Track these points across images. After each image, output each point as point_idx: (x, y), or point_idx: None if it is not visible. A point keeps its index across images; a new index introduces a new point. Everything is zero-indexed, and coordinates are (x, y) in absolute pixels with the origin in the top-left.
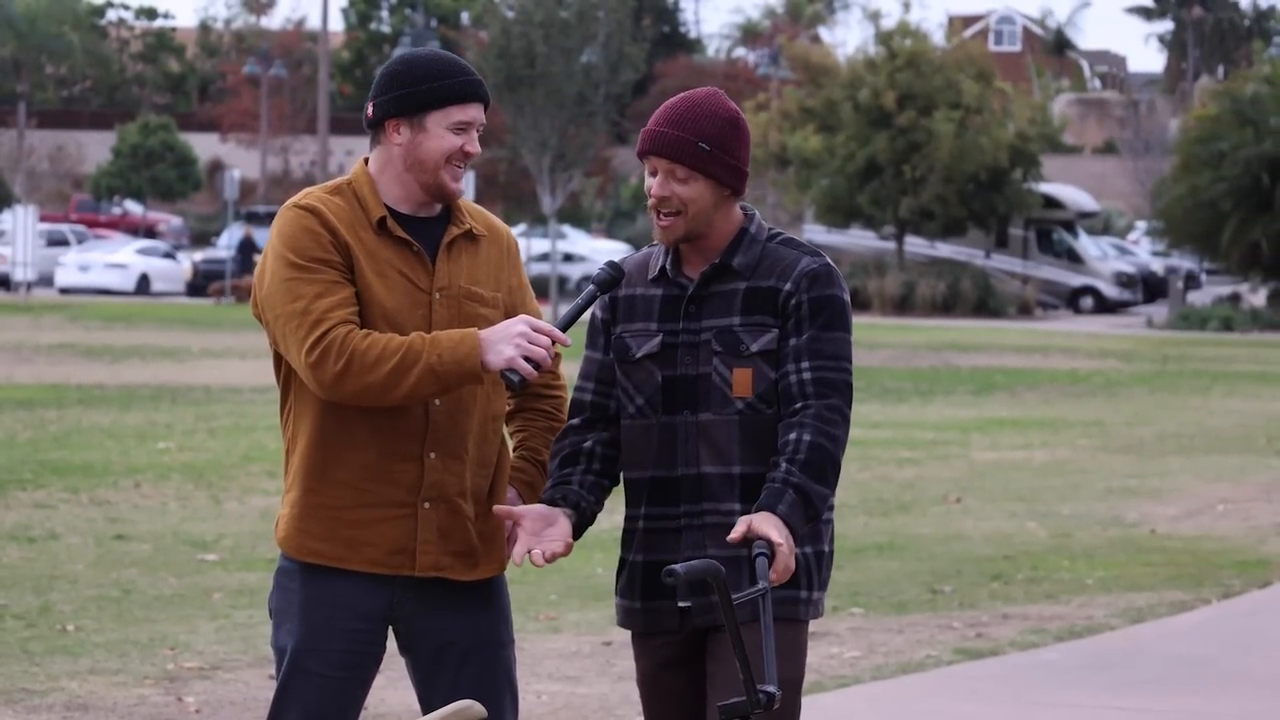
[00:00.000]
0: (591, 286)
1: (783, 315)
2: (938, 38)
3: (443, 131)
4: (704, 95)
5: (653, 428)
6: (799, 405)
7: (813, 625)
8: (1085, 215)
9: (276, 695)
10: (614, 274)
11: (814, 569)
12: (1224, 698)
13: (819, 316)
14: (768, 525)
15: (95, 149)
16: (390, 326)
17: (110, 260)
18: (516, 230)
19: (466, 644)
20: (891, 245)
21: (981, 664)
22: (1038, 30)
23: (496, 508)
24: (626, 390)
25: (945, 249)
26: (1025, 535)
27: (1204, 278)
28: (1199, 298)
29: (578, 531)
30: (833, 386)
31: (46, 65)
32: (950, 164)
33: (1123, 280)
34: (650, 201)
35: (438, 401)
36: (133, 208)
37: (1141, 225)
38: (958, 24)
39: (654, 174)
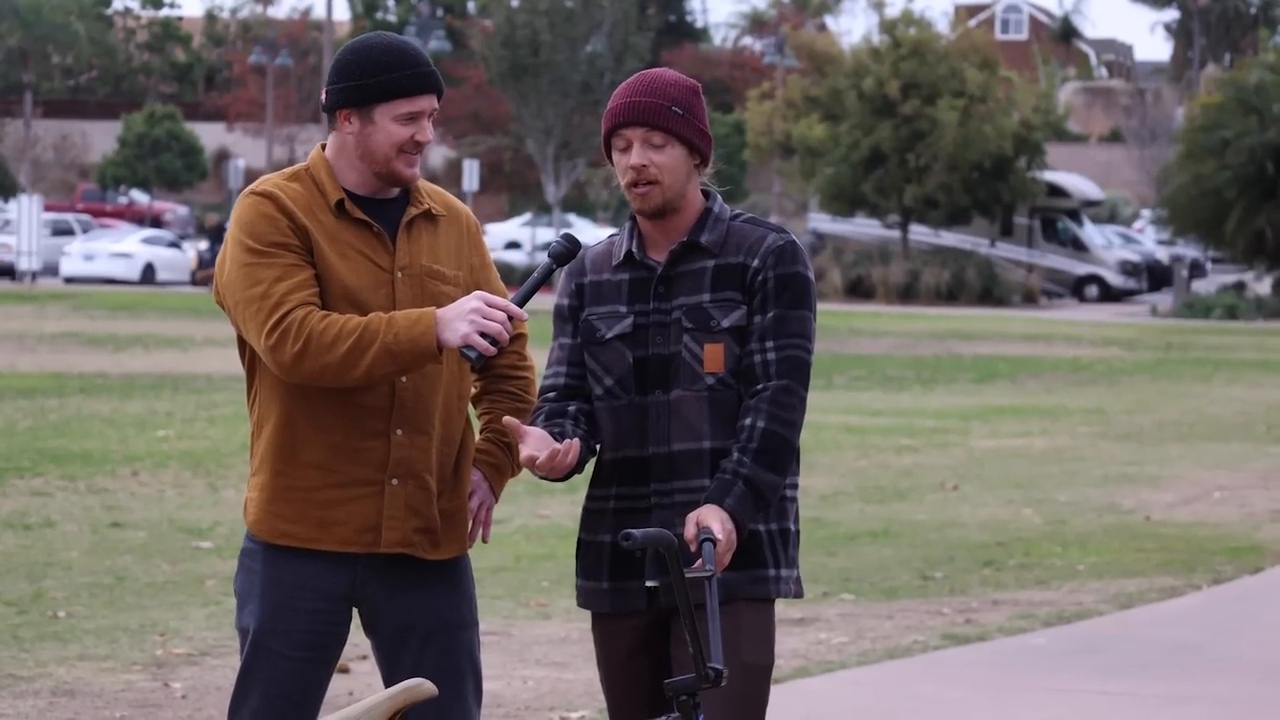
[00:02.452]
0: (548, 260)
1: (749, 291)
2: (942, 26)
3: (390, 124)
4: (661, 70)
5: (622, 408)
6: (759, 387)
7: (801, 611)
8: (1090, 204)
9: (240, 676)
10: (570, 247)
11: (779, 545)
12: (1210, 682)
13: (784, 294)
14: (712, 518)
15: (101, 138)
16: (353, 307)
17: (115, 250)
18: (521, 219)
19: (429, 625)
20: (896, 234)
21: (968, 649)
22: (1044, 18)
23: (506, 419)
24: (594, 372)
25: (950, 237)
26: (1020, 522)
27: (1209, 266)
28: (1204, 286)
29: (579, 466)
30: (793, 365)
31: (52, 55)
32: (954, 152)
33: (1128, 269)
34: (628, 177)
35: (404, 379)
36: (138, 197)
37: (1147, 214)
38: (963, 12)
39: (626, 149)
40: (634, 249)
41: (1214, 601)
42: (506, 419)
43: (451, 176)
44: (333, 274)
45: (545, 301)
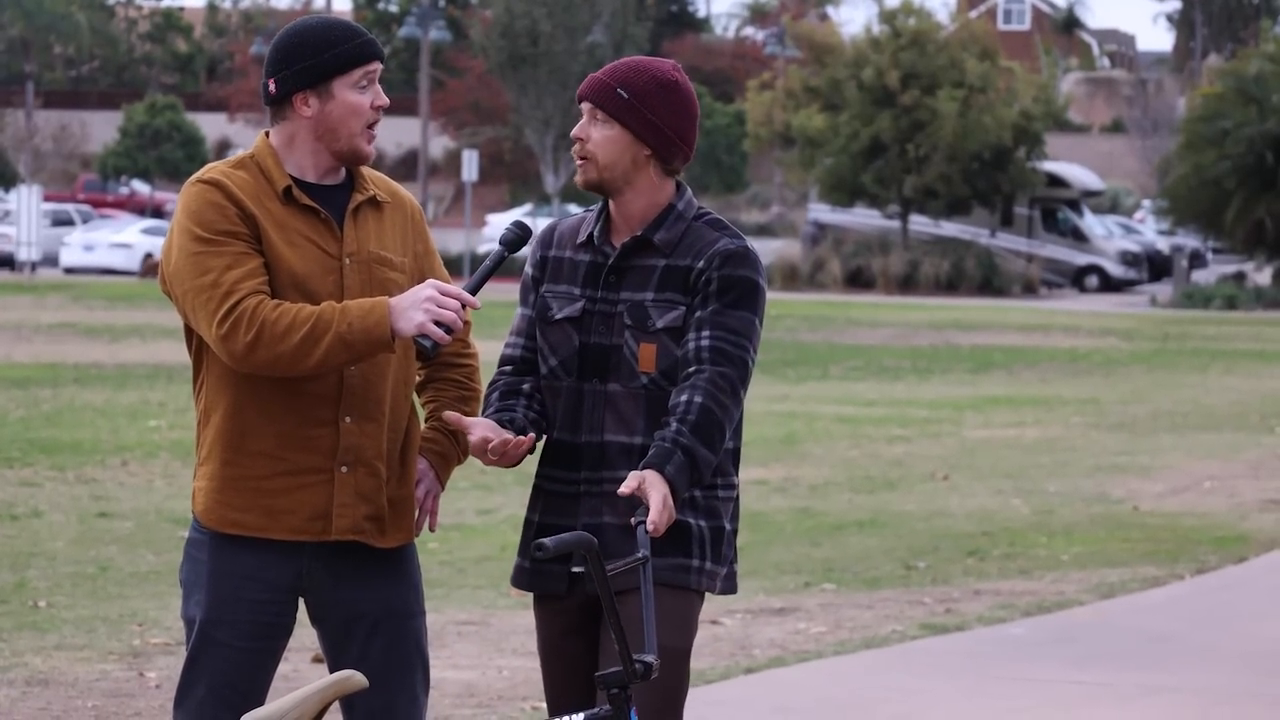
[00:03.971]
0: (499, 248)
1: (691, 292)
2: (942, 17)
3: (350, 94)
4: (651, 59)
5: (562, 390)
6: (692, 370)
7: (781, 601)
8: (1090, 194)
9: (185, 666)
10: (520, 234)
11: (708, 540)
12: (1187, 672)
13: (727, 294)
14: (654, 490)
15: (101, 129)
16: (302, 294)
17: (115, 240)
18: (521, 210)
19: (376, 614)
20: (896, 224)
21: (946, 639)
22: (1046, 9)
23: (446, 414)
24: (542, 350)
25: (950, 228)
26: (1008, 512)
27: (1209, 256)
28: (1204, 276)
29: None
30: (728, 358)
31: (54, 45)
32: (954, 143)
33: (1128, 259)
34: (574, 147)
35: (352, 366)
36: (140, 188)
37: (1148, 204)
38: (964, 3)
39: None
40: (596, 233)
41: (1196, 591)
42: (447, 414)
43: (451, 167)
44: (281, 261)
45: (497, 290)
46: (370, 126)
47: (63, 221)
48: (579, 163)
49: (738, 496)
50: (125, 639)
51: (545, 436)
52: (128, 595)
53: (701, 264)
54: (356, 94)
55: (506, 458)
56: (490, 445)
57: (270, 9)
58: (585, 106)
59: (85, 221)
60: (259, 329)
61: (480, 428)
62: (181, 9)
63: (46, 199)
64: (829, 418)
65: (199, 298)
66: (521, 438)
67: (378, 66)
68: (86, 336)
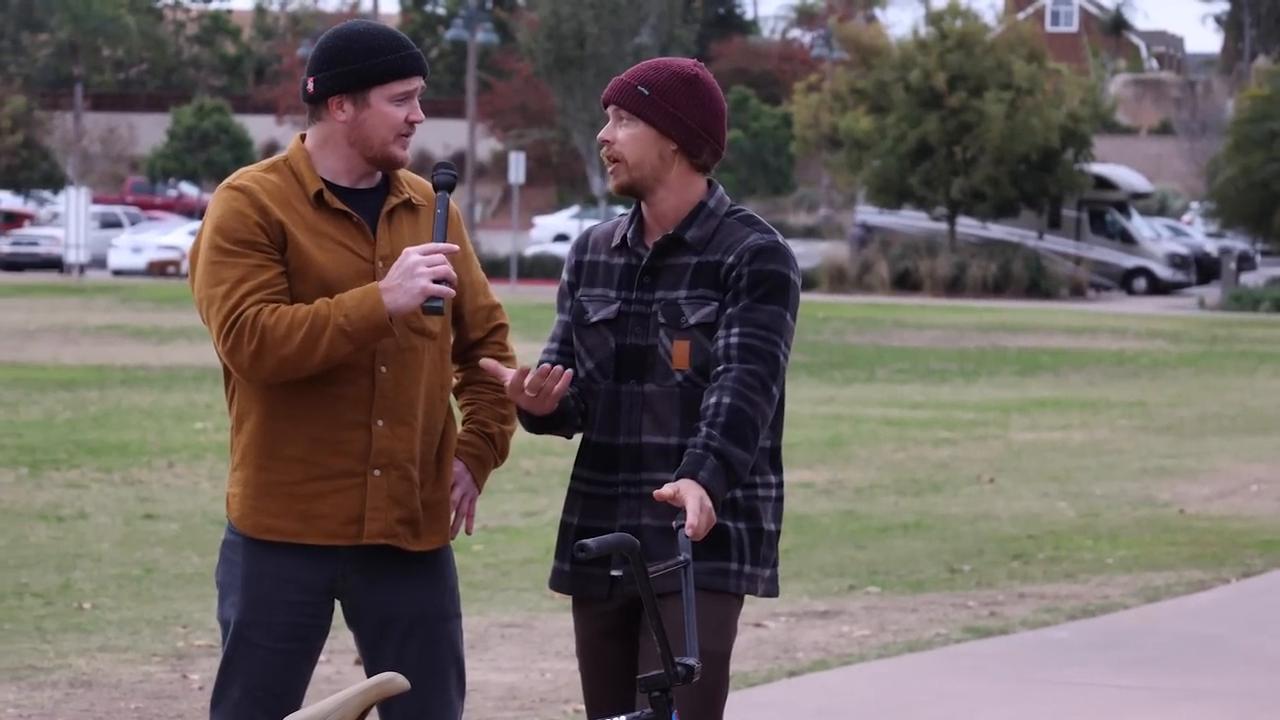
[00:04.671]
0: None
1: (723, 288)
2: (989, 18)
3: (385, 106)
4: (673, 58)
5: (599, 393)
6: (720, 369)
7: (825, 604)
8: (1138, 196)
9: (221, 668)
10: (450, 179)
11: (746, 543)
12: (1229, 676)
13: (757, 289)
14: (689, 494)
15: (149, 131)
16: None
17: (163, 242)
18: (568, 212)
19: (411, 617)
20: (943, 226)
21: (989, 642)
22: (1094, 11)
23: (484, 361)
24: (579, 353)
25: (997, 230)
26: (1054, 515)
27: (1258, 258)
28: (1253, 278)
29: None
30: (756, 354)
31: (103, 48)
32: (1001, 145)
33: (1176, 261)
34: (602, 150)
35: (384, 369)
36: (188, 190)
37: (1196, 206)
38: (1012, 4)
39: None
40: (629, 234)
41: (1241, 595)
42: (484, 361)
43: (498, 169)
44: (311, 266)
45: (541, 292)
46: (403, 136)
47: (111, 224)
48: (610, 167)
49: (780, 496)
50: (169, 641)
51: (582, 435)
52: (172, 597)
53: (732, 259)
54: (392, 106)
55: (543, 394)
56: (528, 379)
57: (318, 11)
58: (610, 109)
59: (133, 224)
60: (260, 336)
61: (516, 372)
62: (230, 11)
63: (95, 201)
64: (875, 420)
65: (210, 307)
66: (558, 368)
67: (418, 83)
68: (134, 338)
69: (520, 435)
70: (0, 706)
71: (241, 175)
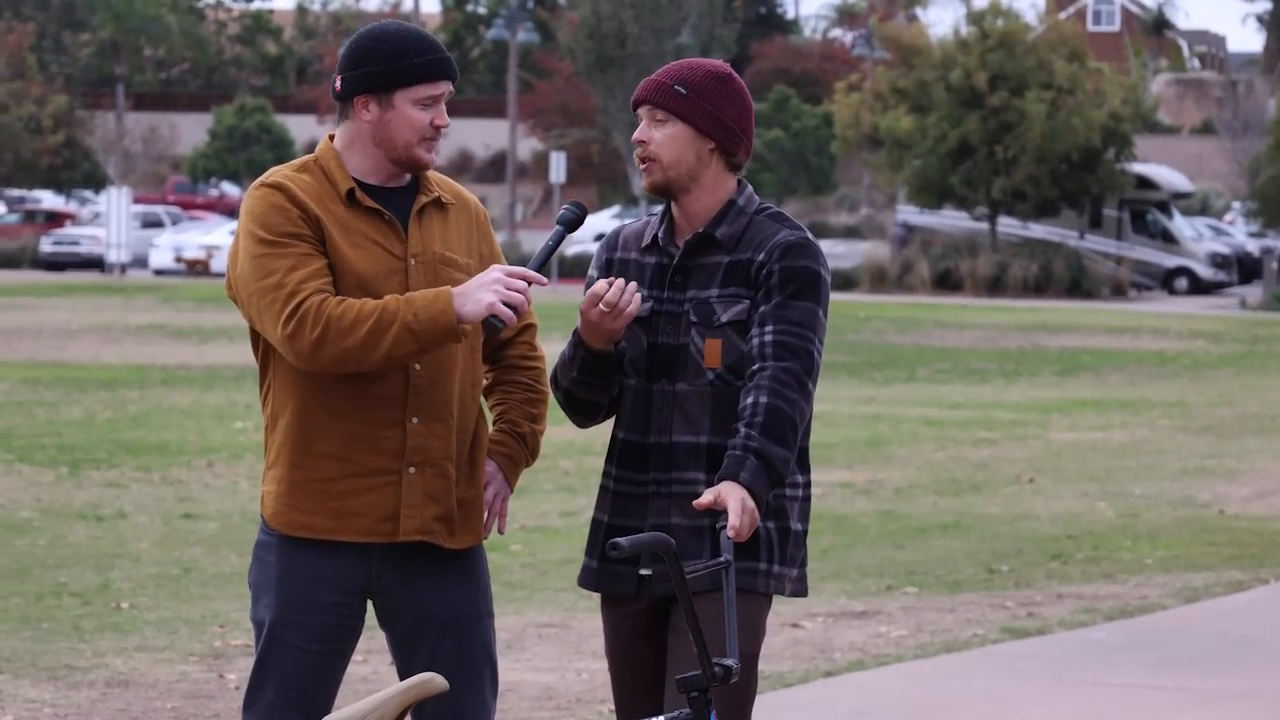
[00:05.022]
0: (559, 227)
1: (754, 285)
2: (1030, 18)
3: (410, 109)
4: (701, 59)
5: (630, 391)
6: (756, 368)
7: (862, 604)
8: (1180, 195)
9: (255, 668)
10: (579, 213)
11: (775, 543)
12: (1267, 677)
13: (789, 285)
14: (730, 496)
15: (191, 131)
16: (367, 295)
17: (204, 242)
18: (610, 212)
19: (444, 617)
20: (984, 226)
21: (1026, 643)
22: (1136, 10)
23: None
24: None
25: (1039, 230)
26: (1093, 515)
27: None
28: None
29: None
30: (791, 351)
31: (144, 48)
32: (1042, 144)
33: (1217, 261)
34: (635, 152)
35: (417, 366)
36: (229, 189)
37: (1238, 206)
38: (1053, 4)
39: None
40: (660, 234)
41: (1278, 596)
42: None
43: (539, 169)
44: (345, 264)
45: (572, 292)
46: (427, 140)
47: (152, 223)
48: (643, 167)
49: (807, 496)
50: (206, 640)
51: (612, 432)
52: (210, 596)
53: (762, 256)
54: (417, 110)
55: (616, 310)
56: (605, 296)
57: (359, 11)
58: (643, 110)
59: (175, 223)
60: (324, 325)
61: (590, 293)
62: (271, 11)
63: (137, 201)
64: (915, 420)
65: (264, 299)
66: (632, 284)
67: (446, 88)
68: (175, 338)
69: (557, 435)
70: (38, 705)
71: (274, 174)
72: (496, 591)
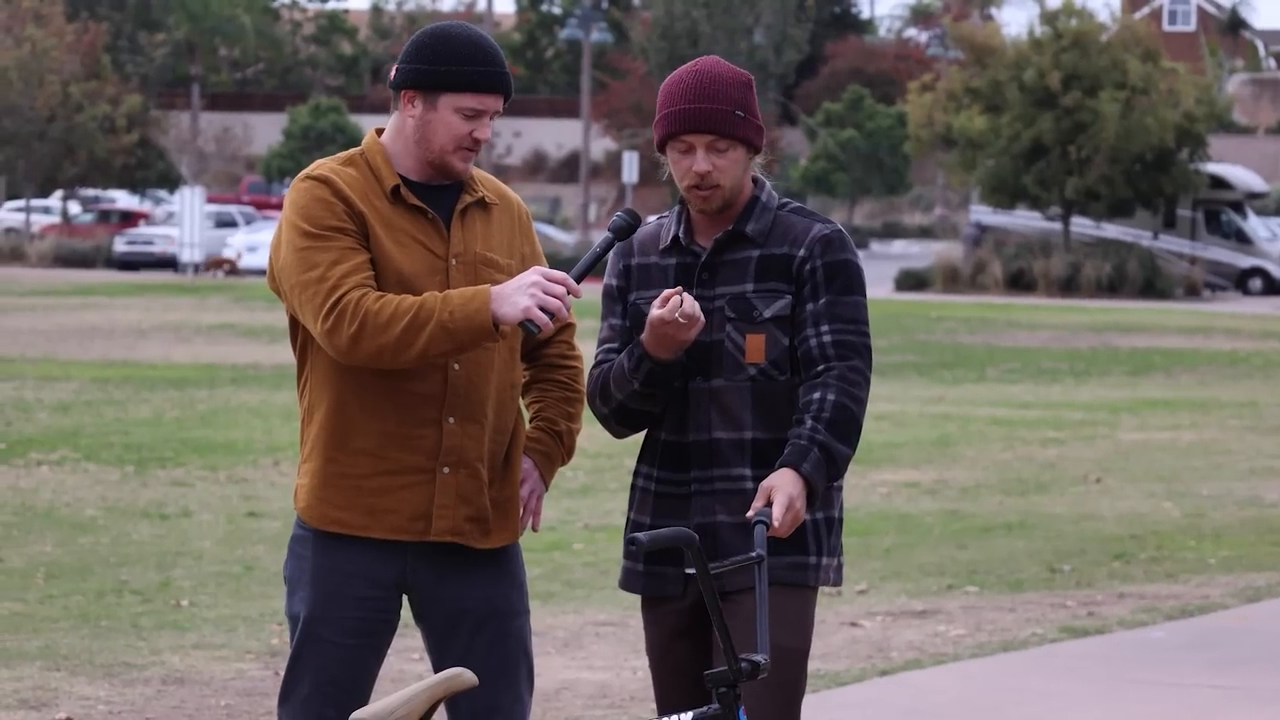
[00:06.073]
0: (608, 234)
1: (797, 281)
2: (1104, 18)
3: (452, 116)
4: (712, 63)
5: (666, 392)
6: (821, 368)
7: (923, 603)
8: (1254, 196)
9: (290, 663)
10: (631, 221)
11: (823, 534)
12: None
13: (835, 281)
14: (787, 482)
15: (265, 131)
16: (407, 293)
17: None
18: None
19: (480, 613)
20: (1057, 226)
21: (1084, 642)
22: (1211, 10)
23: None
24: None
25: (1112, 230)
26: (1158, 515)
27: None
28: None
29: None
30: (853, 349)
31: (219, 48)
32: (1116, 144)
33: None
34: (690, 180)
35: (456, 366)
36: None
37: None
38: (1128, 4)
39: (687, 151)
40: (680, 234)
41: None
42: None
43: (612, 169)
44: (388, 261)
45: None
46: (464, 149)
47: (226, 223)
48: (705, 193)
49: (841, 485)
50: (263, 638)
51: (648, 432)
52: (270, 595)
53: (803, 252)
54: (459, 118)
55: (692, 319)
56: (683, 308)
57: (434, 11)
58: (700, 139)
59: (248, 223)
60: (362, 320)
61: (661, 307)
62: (346, 11)
63: (211, 201)
64: (983, 420)
65: (305, 292)
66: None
67: (494, 104)
68: (245, 337)
69: (607, 435)
70: (92, 703)
71: (319, 167)
72: (557, 590)
